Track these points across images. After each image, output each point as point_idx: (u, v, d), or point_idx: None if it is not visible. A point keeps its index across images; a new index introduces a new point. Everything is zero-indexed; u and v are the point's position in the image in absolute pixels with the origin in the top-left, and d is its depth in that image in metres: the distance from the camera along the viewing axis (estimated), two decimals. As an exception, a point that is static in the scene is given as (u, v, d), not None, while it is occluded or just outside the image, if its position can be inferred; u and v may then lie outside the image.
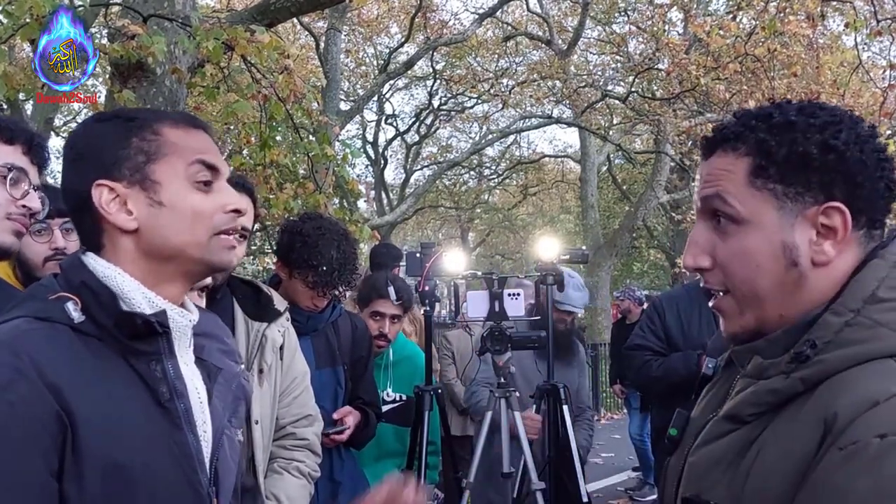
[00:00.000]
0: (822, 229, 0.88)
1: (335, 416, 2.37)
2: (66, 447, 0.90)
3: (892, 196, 0.90)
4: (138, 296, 1.00)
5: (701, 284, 0.98)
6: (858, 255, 0.90)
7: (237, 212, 1.07)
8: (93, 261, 1.03)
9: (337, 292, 2.43)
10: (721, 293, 0.94)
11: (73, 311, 0.96)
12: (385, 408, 2.89)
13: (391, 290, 2.83)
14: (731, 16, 10.43)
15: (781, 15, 8.07)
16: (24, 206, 1.37)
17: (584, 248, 3.65)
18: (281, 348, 2.02)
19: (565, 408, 3.03)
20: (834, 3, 7.59)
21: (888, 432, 0.74)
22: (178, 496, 0.98)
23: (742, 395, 0.92)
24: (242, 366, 1.17)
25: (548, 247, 3.12)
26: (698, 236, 0.95)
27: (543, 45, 14.36)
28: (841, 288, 0.88)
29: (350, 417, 2.39)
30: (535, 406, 3.16)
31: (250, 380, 1.20)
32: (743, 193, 0.90)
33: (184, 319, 1.05)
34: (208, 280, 1.64)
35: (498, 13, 13.64)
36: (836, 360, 0.83)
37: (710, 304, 0.97)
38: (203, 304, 1.72)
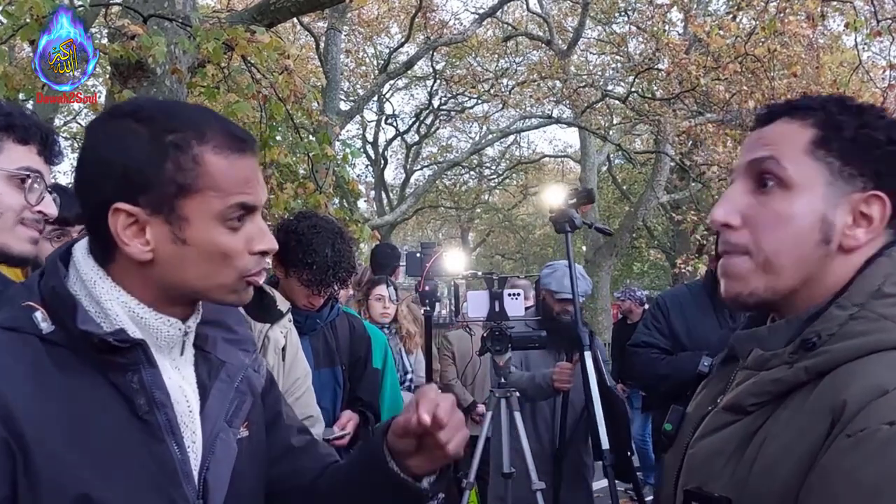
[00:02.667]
0: (859, 216, 0.89)
1: (337, 426, 2.36)
2: (18, 473, 0.83)
3: None
4: (115, 305, 0.93)
5: (720, 243, 0.97)
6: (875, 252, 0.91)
7: (264, 253, 0.98)
8: (80, 259, 0.96)
9: (332, 290, 2.43)
10: (739, 255, 0.93)
11: (41, 321, 0.90)
12: None
13: None
14: (731, 16, 10.43)
15: (781, 15, 8.07)
16: (39, 212, 1.31)
17: (583, 186, 3.67)
18: (283, 349, 2.02)
19: (587, 353, 2.91)
20: (834, 3, 7.59)
21: None
22: None
23: (743, 386, 0.93)
24: (255, 356, 1.08)
25: (554, 192, 3.10)
26: (734, 194, 0.95)
27: (543, 45, 14.35)
28: (846, 284, 0.89)
29: (350, 423, 2.39)
30: (566, 356, 3.17)
31: (261, 370, 1.12)
32: (799, 160, 0.91)
33: (170, 328, 0.96)
34: None
35: (498, 13, 13.64)
36: (841, 351, 0.84)
37: (720, 262, 0.96)
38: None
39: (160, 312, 0.96)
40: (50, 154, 1.34)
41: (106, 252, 0.95)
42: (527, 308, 3.75)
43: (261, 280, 1.02)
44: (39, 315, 0.90)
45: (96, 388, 0.90)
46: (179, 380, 0.98)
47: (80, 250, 0.97)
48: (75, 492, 0.85)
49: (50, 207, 1.33)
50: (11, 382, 0.85)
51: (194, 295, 0.97)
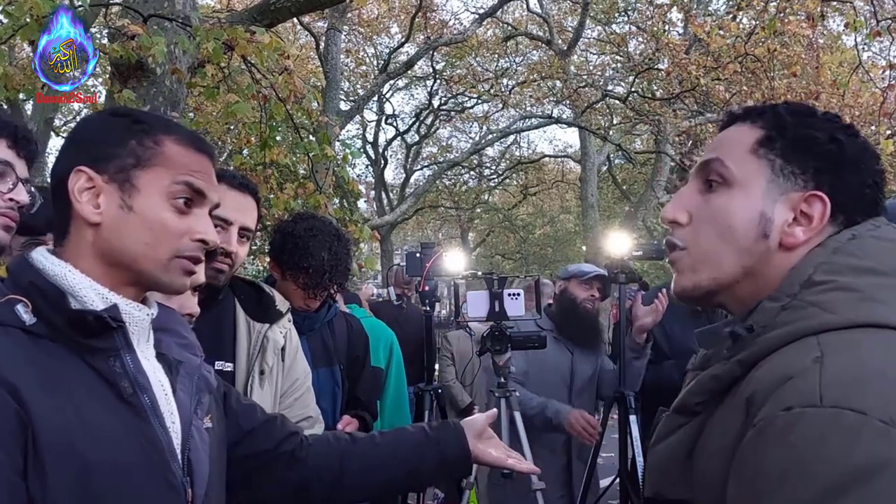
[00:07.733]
0: (799, 216, 0.91)
1: (339, 426, 2.35)
2: (28, 446, 0.88)
3: (875, 207, 0.93)
4: (90, 292, 0.98)
5: (666, 237, 1.01)
6: None
7: (204, 242, 1.04)
8: (41, 259, 1.00)
9: (329, 293, 2.42)
10: (680, 250, 0.97)
11: (24, 313, 0.94)
12: None
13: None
14: (731, 16, 10.41)
15: (781, 15, 8.06)
16: (10, 200, 1.36)
17: (654, 243, 3.53)
18: (282, 349, 2.02)
19: (632, 418, 2.86)
20: (834, 3, 7.59)
21: (794, 404, 0.75)
22: (151, 490, 0.96)
23: (689, 386, 0.94)
24: (202, 358, 1.16)
25: (618, 242, 2.94)
26: (685, 193, 0.98)
27: (543, 45, 14.35)
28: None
29: (349, 427, 2.38)
30: (602, 413, 3.06)
31: (212, 371, 1.19)
32: (743, 159, 0.93)
33: (140, 313, 1.03)
34: (201, 278, 1.62)
35: (498, 13, 13.63)
36: (768, 341, 0.85)
37: (668, 256, 0.99)
38: (196, 304, 1.70)
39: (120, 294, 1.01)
40: (23, 149, 1.40)
41: (67, 223, 1.02)
42: (548, 305, 3.74)
43: (197, 271, 1.08)
44: (22, 307, 0.94)
45: (82, 375, 0.95)
46: (152, 367, 1.04)
47: (40, 253, 1.03)
48: (83, 463, 0.90)
49: (21, 195, 1.38)
50: (9, 366, 0.90)
51: (132, 266, 1.01)
